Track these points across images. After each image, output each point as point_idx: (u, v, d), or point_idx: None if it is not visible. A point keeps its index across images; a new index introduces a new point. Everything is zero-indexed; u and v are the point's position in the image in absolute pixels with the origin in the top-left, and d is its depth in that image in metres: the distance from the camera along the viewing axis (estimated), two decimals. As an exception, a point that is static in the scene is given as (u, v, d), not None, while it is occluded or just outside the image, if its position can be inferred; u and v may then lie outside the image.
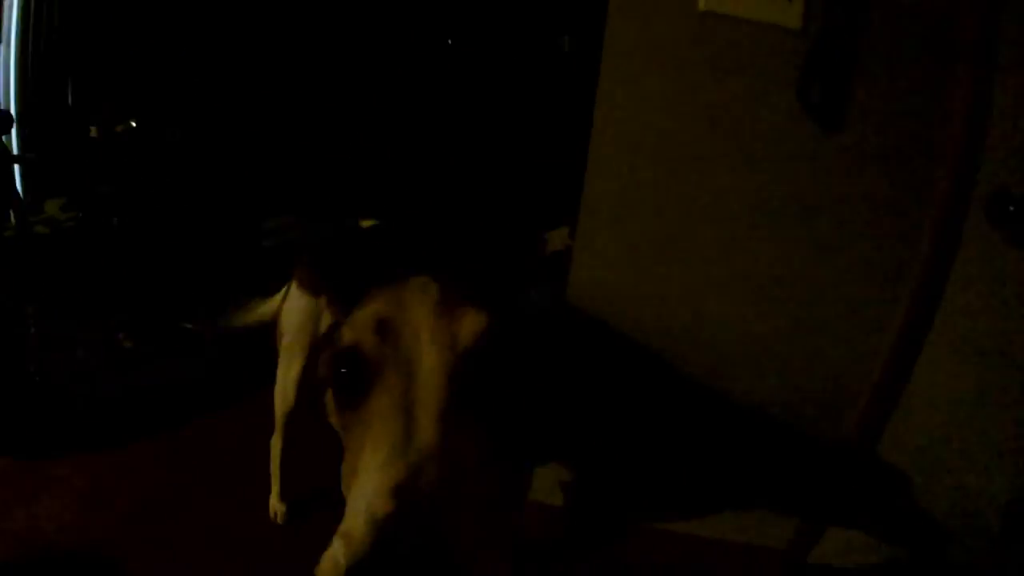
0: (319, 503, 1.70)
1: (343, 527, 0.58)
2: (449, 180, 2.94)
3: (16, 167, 3.19)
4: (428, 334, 0.66)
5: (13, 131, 3.01)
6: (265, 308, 1.68)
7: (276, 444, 1.65)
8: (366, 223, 2.07)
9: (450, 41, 3.06)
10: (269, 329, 1.56)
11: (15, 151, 2.92)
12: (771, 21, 1.28)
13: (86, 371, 2.43)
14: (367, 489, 0.57)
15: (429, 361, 0.65)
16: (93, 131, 2.33)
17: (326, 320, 1.21)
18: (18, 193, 2.95)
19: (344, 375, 0.68)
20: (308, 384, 1.41)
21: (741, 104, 1.33)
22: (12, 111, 3.17)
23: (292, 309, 1.40)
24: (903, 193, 1.35)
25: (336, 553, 0.57)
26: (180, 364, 2.54)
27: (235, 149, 2.56)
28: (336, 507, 0.65)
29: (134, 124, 2.31)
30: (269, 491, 1.77)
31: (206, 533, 1.77)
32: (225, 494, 1.92)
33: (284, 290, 1.49)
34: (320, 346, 0.89)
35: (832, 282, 1.42)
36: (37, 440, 2.10)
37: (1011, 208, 1.15)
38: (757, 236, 1.41)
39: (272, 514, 1.73)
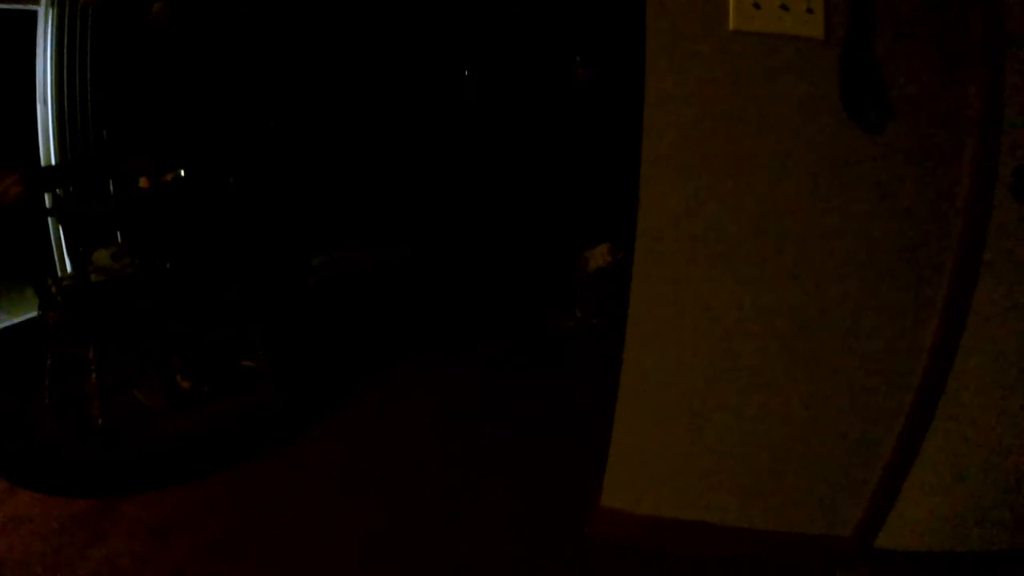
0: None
1: None
2: (486, 205, 3.03)
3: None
4: None
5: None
6: None
7: None
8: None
9: (467, 72, 3.21)
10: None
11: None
12: (796, 34, 1.34)
13: (146, 413, 2.49)
14: None
15: None
16: (143, 182, 2.45)
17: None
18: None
19: None
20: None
21: (783, 116, 1.39)
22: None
23: None
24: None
25: None
26: (238, 401, 2.60)
27: (283, 191, 2.67)
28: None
29: (182, 173, 2.43)
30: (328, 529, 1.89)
31: (272, 566, 1.82)
32: (287, 529, 1.97)
33: None
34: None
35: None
36: (105, 480, 2.16)
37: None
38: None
39: None
